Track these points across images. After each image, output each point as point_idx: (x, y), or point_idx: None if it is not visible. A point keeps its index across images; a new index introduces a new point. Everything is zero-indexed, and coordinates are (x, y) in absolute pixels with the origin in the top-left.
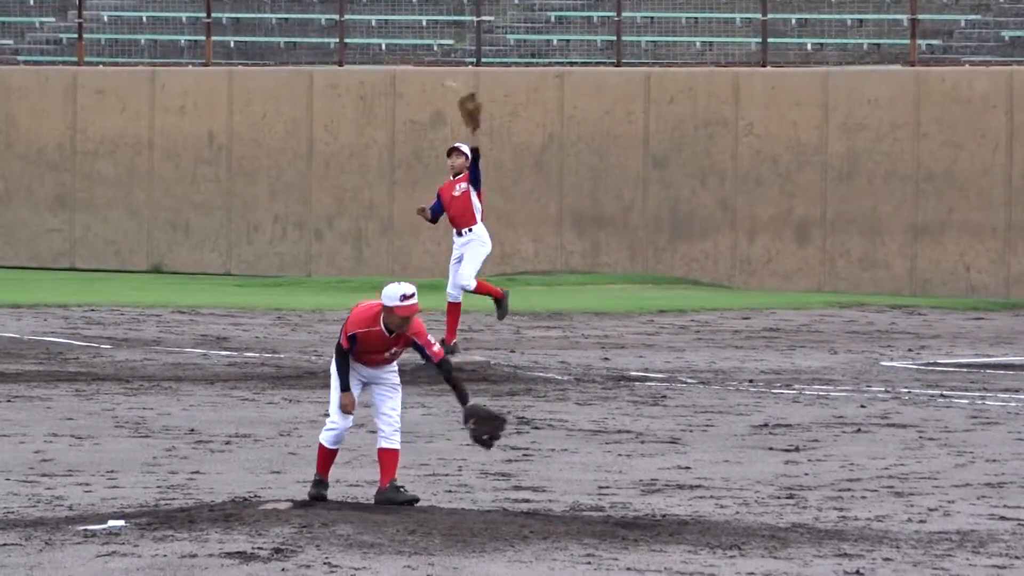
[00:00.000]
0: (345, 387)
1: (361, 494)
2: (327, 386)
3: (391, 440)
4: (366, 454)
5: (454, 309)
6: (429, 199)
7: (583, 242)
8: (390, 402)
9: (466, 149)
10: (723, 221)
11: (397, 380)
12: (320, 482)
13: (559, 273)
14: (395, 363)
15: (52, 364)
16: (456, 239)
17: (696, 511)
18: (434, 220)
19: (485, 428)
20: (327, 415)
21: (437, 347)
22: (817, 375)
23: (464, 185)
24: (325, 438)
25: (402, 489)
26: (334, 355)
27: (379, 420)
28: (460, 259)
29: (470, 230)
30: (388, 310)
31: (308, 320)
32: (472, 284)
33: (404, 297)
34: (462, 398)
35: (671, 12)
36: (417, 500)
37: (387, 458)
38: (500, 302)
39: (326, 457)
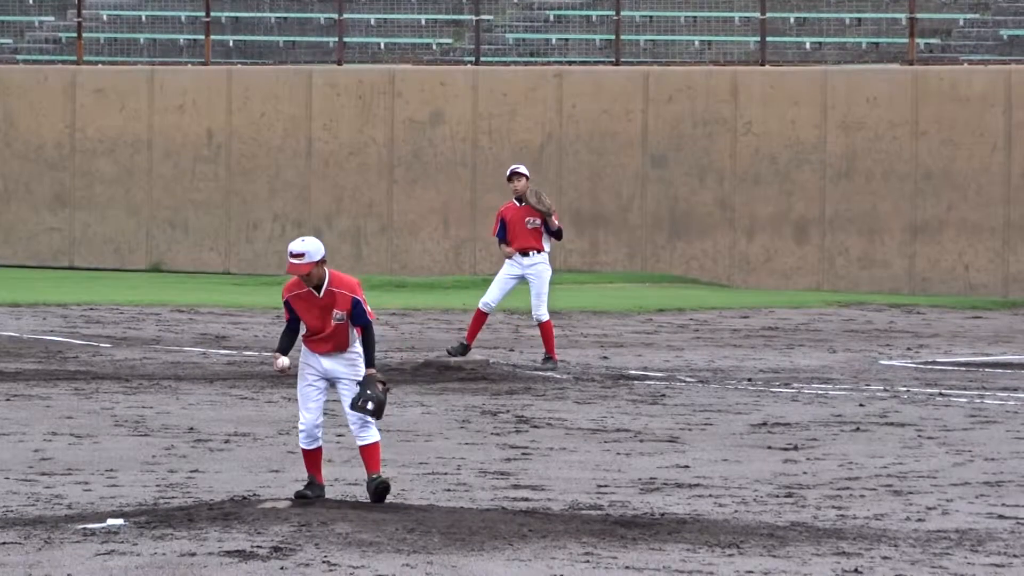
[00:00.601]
0: (280, 350)
1: (360, 492)
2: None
3: (363, 437)
4: None
5: (481, 317)
6: (429, 197)
7: (582, 241)
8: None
9: (525, 171)
10: (722, 220)
11: (359, 371)
12: (312, 483)
13: (558, 272)
14: (355, 353)
15: (51, 363)
16: (520, 258)
17: (695, 510)
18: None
19: (372, 396)
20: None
21: (370, 309)
22: (816, 374)
23: (538, 222)
24: (300, 440)
25: (374, 476)
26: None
27: (348, 419)
28: (515, 277)
29: (538, 252)
30: None
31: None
32: (546, 317)
33: (291, 254)
34: (370, 361)
35: (670, 11)
36: (386, 486)
37: (366, 454)
38: (549, 359)
39: (308, 458)
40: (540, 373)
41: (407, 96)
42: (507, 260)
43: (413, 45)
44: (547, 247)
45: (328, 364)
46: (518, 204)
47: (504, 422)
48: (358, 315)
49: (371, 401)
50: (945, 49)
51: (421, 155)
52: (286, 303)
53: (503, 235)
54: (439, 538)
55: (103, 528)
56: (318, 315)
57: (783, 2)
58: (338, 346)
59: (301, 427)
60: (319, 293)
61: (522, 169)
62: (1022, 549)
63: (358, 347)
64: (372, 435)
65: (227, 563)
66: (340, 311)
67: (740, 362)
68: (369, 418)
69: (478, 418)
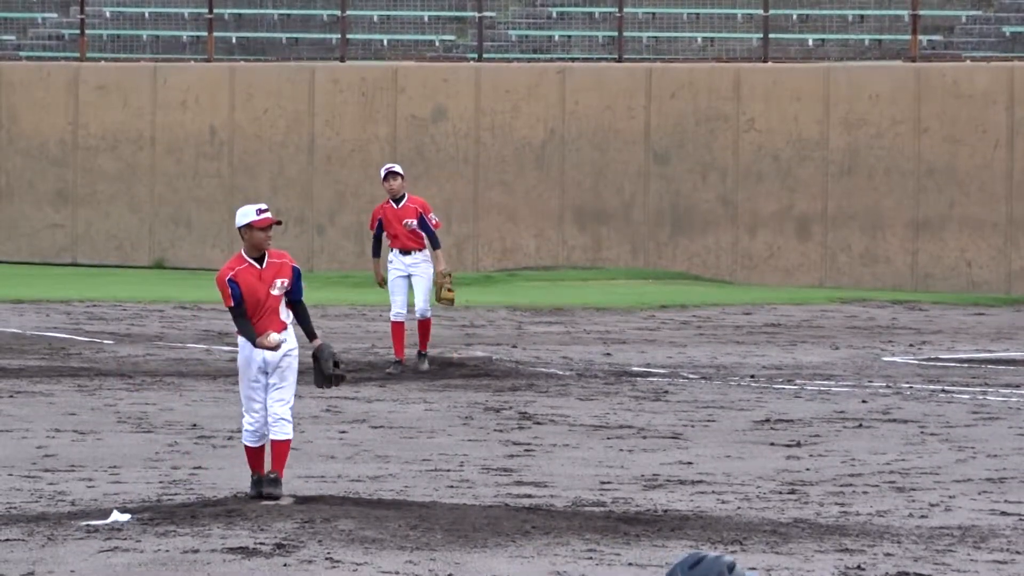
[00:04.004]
0: (253, 337)
1: (363, 489)
2: None
3: (276, 432)
4: (368, 449)
5: (399, 328)
6: (431, 193)
7: (584, 237)
8: (276, 393)
9: (400, 170)
10: (724, 216)
11: (291, 362)
12: (257, 480)
13: (561, 268)
14: (291, 348)
15: (54, 359)
16: (401, 258)
17: (698, 506)
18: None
19: (329, 371)
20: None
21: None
22: (818, 370)
23: (414, 223)
24: (246, 439)
25: (270, 475)
26: (236, 326)
27: (268, 411)
28: (404, 276)
29: (419, 250)
30: (247, 230)
31: (310, 315)
32: (430, 313)
33: (260, 211)
34: (310, 334)
35: (673, 8)
36: (276, 495)
37: (274, 449)
38: (423, 356)
39: (256, 455)
40: (543, 370)
41: (410, 93)
42: (389, 264)
43: (416, 42)
44: (427, 244)
45: (271, 357)
46: (395, 205)
47: (507, 419)
48: (296, 289)
49: (335, 380)
50: (947, 46)
51: (424, 152)
52: (231, 282)
53: (379, 233)
54: (442, 535)
55: (106, 525)
56: (260, 288)
57: None
58: (271, 327)
59: (249, 427)
60: (261, 265)
61: (398, 168)
62: None
63: (293, 342)
64: (282, 432)
65: (230, 560)
66: (283, 279)
67: (743, 359)
68: (327, 388)
69: (481, 415)
